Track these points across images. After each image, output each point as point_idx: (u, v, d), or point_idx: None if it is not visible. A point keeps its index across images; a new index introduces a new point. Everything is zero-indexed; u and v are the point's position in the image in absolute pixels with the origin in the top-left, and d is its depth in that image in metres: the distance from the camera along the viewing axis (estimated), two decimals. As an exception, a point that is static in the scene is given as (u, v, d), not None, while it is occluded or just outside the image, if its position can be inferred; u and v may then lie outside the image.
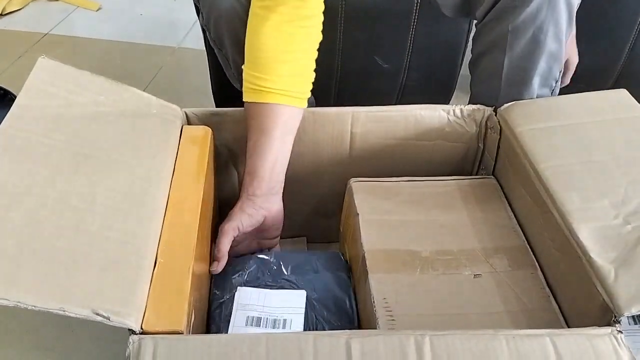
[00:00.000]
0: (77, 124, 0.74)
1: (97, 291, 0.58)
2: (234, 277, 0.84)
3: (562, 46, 0.91)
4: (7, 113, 0.71)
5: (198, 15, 1.05)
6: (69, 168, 0.69)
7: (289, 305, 0.82)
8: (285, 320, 0.80)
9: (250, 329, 0.78)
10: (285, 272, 0.86)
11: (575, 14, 0.89)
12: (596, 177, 0.77)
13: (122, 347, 0.57)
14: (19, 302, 0.53)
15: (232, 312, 0.80)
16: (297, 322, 0.80)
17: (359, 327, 0.81)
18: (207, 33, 1.02)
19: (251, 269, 0.85)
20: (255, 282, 0.84)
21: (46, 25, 1.97)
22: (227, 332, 0.77)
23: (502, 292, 0.76)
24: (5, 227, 0.60)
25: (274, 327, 0.79)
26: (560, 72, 0.94)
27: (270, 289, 0.83)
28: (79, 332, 0.97)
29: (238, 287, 0.83)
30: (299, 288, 0.84)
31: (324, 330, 0.78)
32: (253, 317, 0.79)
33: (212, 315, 0.81)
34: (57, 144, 0.70)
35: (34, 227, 0.61)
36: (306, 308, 0.82)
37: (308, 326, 0.80)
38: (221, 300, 0.82)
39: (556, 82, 0.95)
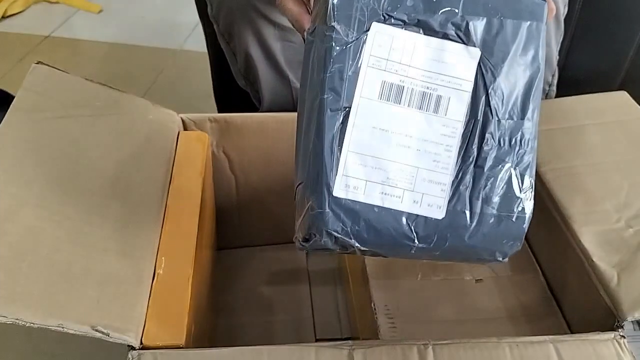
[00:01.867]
0: (72, 132, 0.74)
1: (95, 306, 0.57)
2: (364, 3, 0.51)
3: (549, 50, 0.90)
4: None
5: (200, 8, 1.04)
6: (64, 178, 0.68)
7: (449, 71, 0.52)
8: (439, 99, 0.52)
9: (384, 105, 0.52)
10: (457, 8, 0.52)
11: (562, 16, 0.88)
12: (598, 180, 0.76)
13: (124, 351, 0.58)
14: (17, 319, 0.53)
15: (361, 69, 0.51)
16: (457, 106, 0.52)
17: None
18: (216, 25, 1.00)
19: None
20: (401, 16, 0.52)
21: (47, 28, 1.97)
22: (348, 107, 0.51)
23: (504, 297, 0.76)
24: (2, 240, 0.59)
25: (420, 107, 0.52)
26: (552, 75, 0.94)
27: (426, 34, 0.52)
28: (81, 336, 0.97)
29: (373, 23, 0.51)
30: (469, 43, 0.52)
31: (489, 136, 0.52)
32: (392, 84, 0.51)
33: (329, 76, 0.51)
34: (53, 152, 0.70)
35: (31, 240, 0.60)
36: (476, 83, 0.52)
37: (472, 120, 0.52)
38: (345, 45, 0.51)
39: (550, 85, 0.95)
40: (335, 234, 0.50)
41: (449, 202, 0.52)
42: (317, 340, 0.92)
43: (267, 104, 1.01)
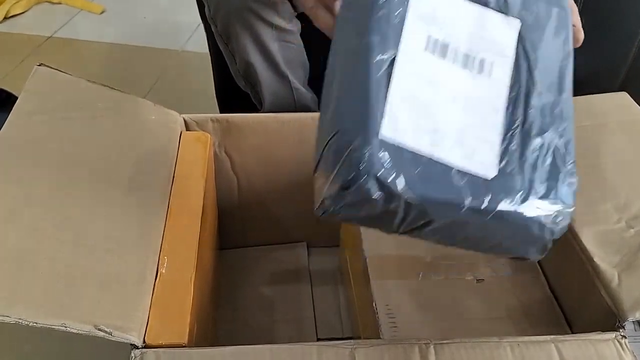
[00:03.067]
0: (74, 133, 0.74)
1: (98, 305, 0.58)
2: None
3: None
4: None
5: (201, 9, 1.04)
6: (67, 179, 0.68)
7: (490, 39, 0.52)
8: (482, 62, 0.52)
9: (430, 57, 0.50)
10: None
11: None
12: (598, 181, 0.76)
13: (124, 353, 0.58)
14: (20, 319, 0.53)
15: (407, 19, 0.50)
16: (501, 69, 0.52)
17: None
18: (214, 27, 1.00)
19: None
20: None
21: (49, 28, 1.97)
22: (394, 52, 0.49)
23: (505, 297, 0.76)
24: (5, 241, 0.59)
25: (464, 67, 0.51)
26: None
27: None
28: (81, 339, 0.97)
29: None
30: (509, 14, 0.53)
31: (534, 102, 0.51)
32: (437, 40, 0.51)
33: (376, 20, 0.49)
34: (55, 153, 0.70)
35: (34, 241, 0.61)
36: (517, 52, 0.53)
37: (516, 85, 0.52)
38: None
39: None
40: (382, 178, 0.45)
41: (500, 161, 0.49)
42: (318, 340, 0.93)
43: (268, 105, 1.01)
